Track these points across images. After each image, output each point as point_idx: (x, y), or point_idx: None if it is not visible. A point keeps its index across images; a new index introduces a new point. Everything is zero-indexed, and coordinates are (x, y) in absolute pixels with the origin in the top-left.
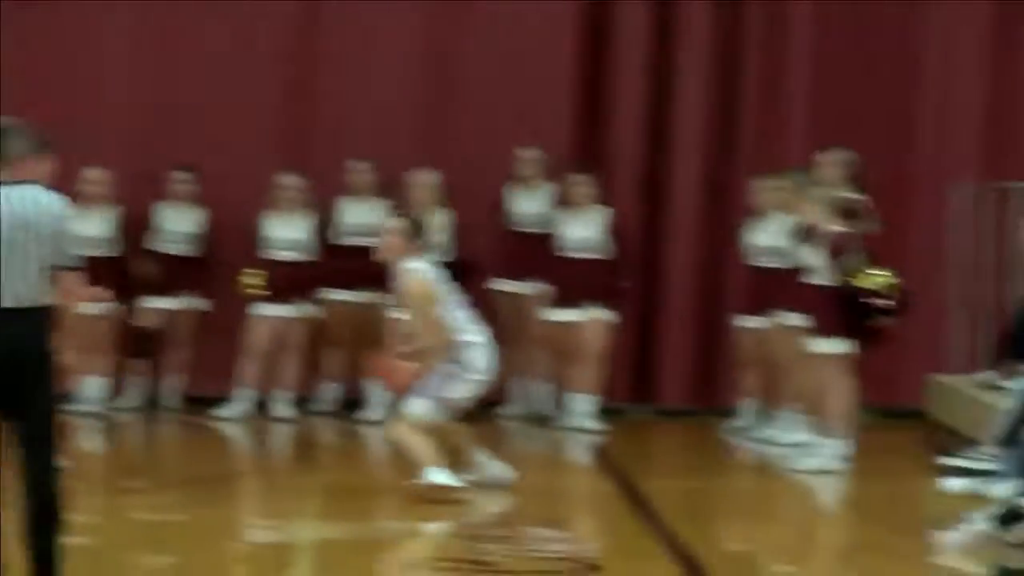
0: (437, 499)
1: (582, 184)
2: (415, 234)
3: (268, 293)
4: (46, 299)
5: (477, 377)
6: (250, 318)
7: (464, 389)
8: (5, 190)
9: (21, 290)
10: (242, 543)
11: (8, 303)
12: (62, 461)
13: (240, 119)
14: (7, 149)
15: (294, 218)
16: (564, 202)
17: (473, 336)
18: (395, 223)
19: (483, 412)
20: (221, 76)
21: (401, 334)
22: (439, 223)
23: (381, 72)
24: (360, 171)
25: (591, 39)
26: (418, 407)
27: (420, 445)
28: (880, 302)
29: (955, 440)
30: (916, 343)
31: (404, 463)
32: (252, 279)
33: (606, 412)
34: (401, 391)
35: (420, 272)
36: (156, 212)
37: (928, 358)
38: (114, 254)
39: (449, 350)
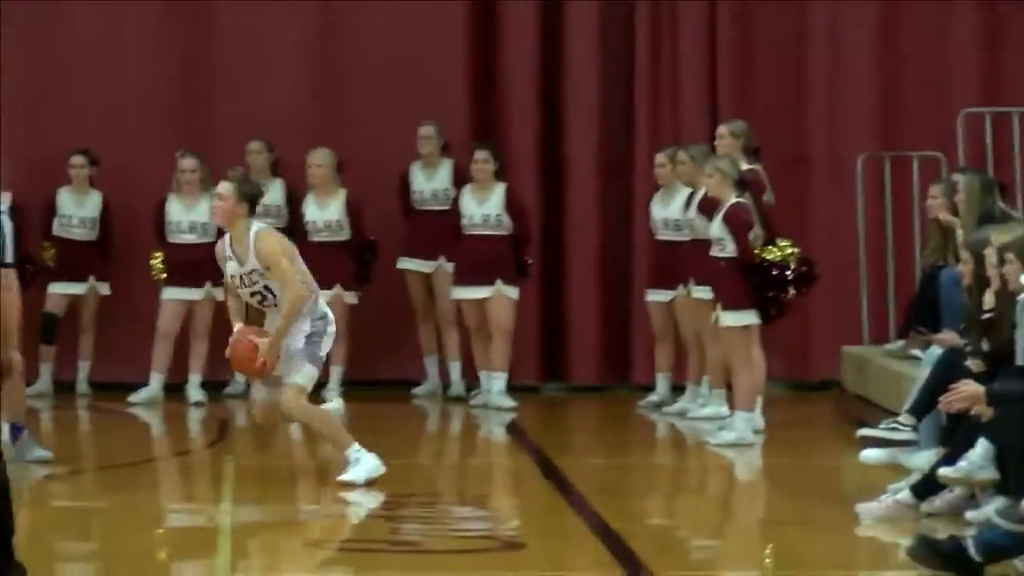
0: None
1: (483, 160)
2: (248, 195)
3: (166, 275)
4: None
5: (333, 328)
6: (158, 302)
7: (328, 342)
8: None
9: None
10: (163, 528)
11: None
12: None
13: (140, 103)
14: None
15: (196, 201)
16: (465, 179)
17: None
18: (227, 186)
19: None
20: (118, 61)
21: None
22: (337, 202)
23: (279, 52)
24: (256, 151)
25: (483, 13)
26: (302, 376)
27: (326, 419)
28: (784, 273)
29: (870, 411)
30: (827, 315)
31: (320, 444)
32: (158, 262)
33: (519, 389)
34: (264, 372)
35: (264, 229)
36: (56, 197)
37: (840, 330)
38: None
39: (308, 303)
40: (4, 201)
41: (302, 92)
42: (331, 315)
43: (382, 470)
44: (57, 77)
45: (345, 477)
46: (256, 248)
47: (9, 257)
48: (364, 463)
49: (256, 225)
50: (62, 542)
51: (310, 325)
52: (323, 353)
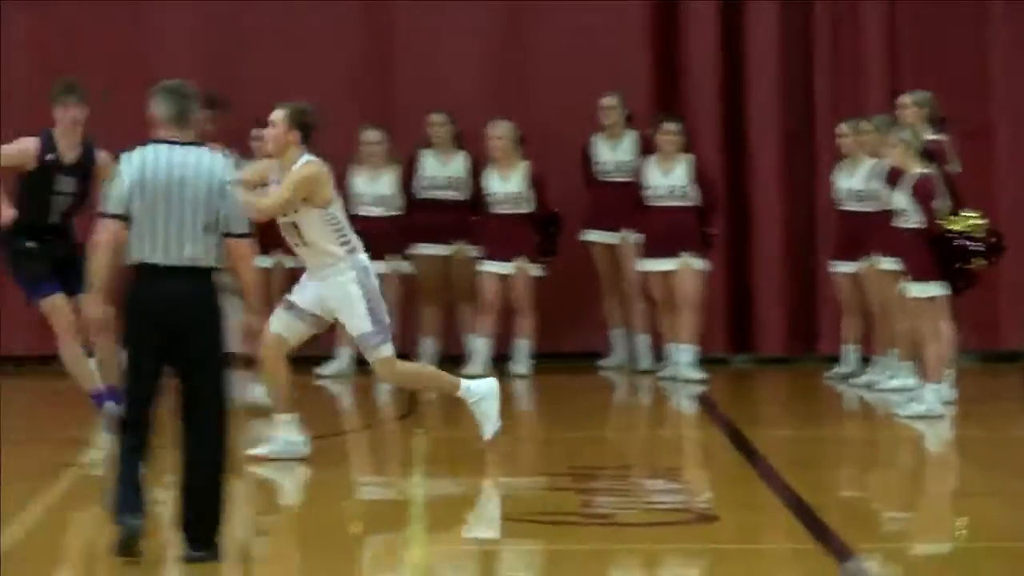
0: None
1: (671, 132)
2: (300, 122)
3: None
4: (211, 261)
5: (377, 281)
6: None
7: (382, 298)
8: (167, 149)
9: (179, 249)
10: (355, 501)
11: (167, 261)
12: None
13: (323, 76)
14: (187, 110)
15: (379, 173)
16: (650, 150)
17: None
18: (278, 113)
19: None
20: (300, 33)
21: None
22: (519, 174)
23: (458, 24)
24: (439, 124)
25: None
26: (383, 351)
27: (424, 375)
28: (971, 244)
29: None
30: (1016, 287)
31: (508, 419)
32: None
33: (707, 361)
34: None
35: (314, 160)
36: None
37: None
38: None
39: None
40: (235, 170)
41: (485, 65)
42: (373, 268)
43: (496, 384)
44: (236, 51)
45: (487, 436)
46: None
47: (243, 227)
48: (484, 401)
49: (308, 157)
50: (254, 516)
51: (354, 276)
52: (386, 314)
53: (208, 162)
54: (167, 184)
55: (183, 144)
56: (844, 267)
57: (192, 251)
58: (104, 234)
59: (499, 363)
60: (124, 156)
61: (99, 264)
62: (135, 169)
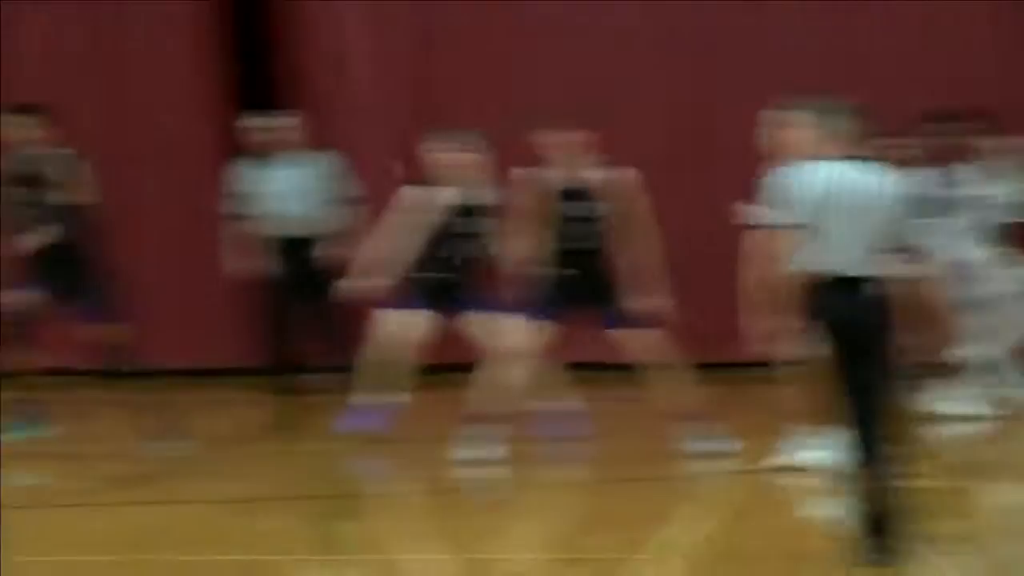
0: None
1: None
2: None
3: None
4: (885, 272)
5: None
6: None
7: None
8: (844, 165)
9: (856, 261)
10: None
11: (846, 272)
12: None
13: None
14: (847, 127)
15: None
16: None
17: None
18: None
19: None
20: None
21: None
22: None
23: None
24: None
25: None
26: None
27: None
28: None
29: None
30: None
31: None
32: None
33: None
34: None
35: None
36: None
37: None
38: None
39: None
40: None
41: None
42: None
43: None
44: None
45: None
46: None
47: (907, 242)
48: (818, 458)
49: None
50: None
51: None
52: None
53: (881, 179)
54: (850, 198)
55: (856, 159)
56: None
57: (868, 263)
58: (762, 243)
59: None
60: (797, 169)
61: (761, 273)
62: (816, 182)
